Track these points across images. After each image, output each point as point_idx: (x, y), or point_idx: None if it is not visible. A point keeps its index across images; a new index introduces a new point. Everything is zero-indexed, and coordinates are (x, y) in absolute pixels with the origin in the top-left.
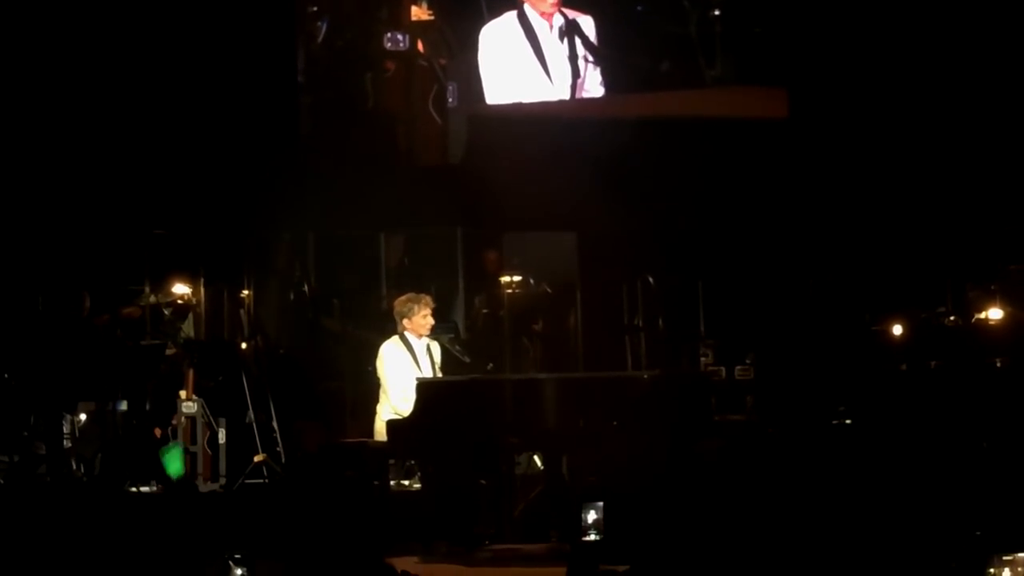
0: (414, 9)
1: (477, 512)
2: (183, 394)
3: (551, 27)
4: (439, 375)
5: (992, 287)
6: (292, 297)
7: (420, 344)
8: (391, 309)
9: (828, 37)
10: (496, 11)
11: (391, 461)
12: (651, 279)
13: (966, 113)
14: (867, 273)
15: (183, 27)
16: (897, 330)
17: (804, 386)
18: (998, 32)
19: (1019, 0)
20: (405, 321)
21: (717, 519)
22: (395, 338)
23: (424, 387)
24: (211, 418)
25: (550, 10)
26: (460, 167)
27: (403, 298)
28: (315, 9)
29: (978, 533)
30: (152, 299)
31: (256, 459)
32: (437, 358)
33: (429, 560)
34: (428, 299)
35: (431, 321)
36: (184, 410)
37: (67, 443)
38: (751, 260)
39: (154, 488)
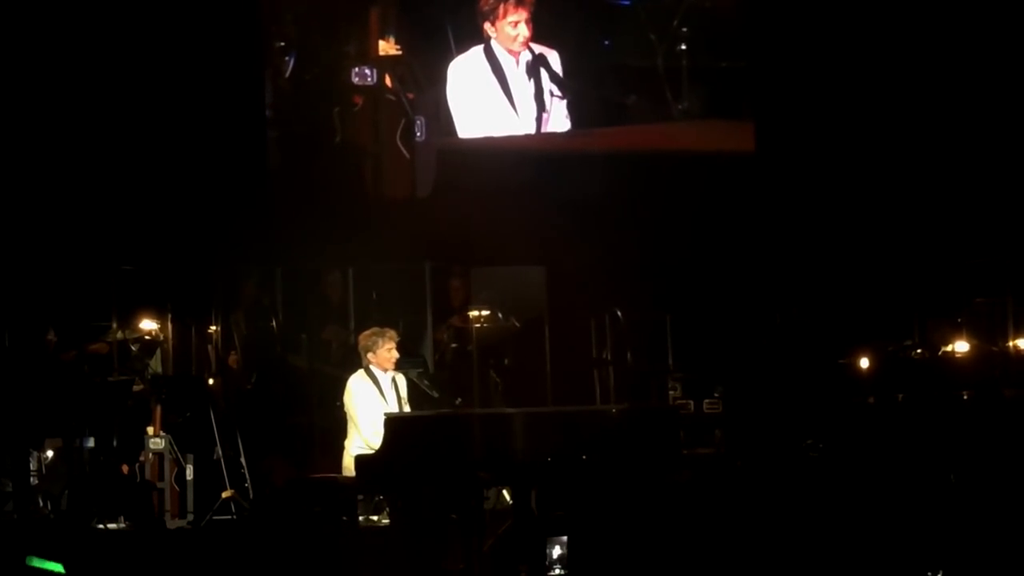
0: (382, 44)
1: (446, 547)
2: (151, 430)
3: (518, 62)
4: (406, 409)
5: (958, 320)
6: (259, 332)
7: (386, 378)
8: (358, 344)
9: (795, 71)
10: (464, 46)
11: (360, 496)
12: (619, 313)
13: (932, 147)
14: (834, 306)
15: (150, 61)
16: (864, 363)
17: (772, 419)
18: (962, 67)
19: (981, 38)
20: (369, 355)
21: (685, 553)
22: (361, 371)
23: (392, 422)
24: (179, 454)
25: (518, 48)
26: (428, 201)
27: (368, 332)
28: (282, 44)
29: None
30: (119, 335)
31: (224, 495)
32: (403, 392)
33: None
34: (393, 333)
35: (395, 355)
36: (151, 446)
37: (34, 480)
38: (719, 294)
39: (122, 525)
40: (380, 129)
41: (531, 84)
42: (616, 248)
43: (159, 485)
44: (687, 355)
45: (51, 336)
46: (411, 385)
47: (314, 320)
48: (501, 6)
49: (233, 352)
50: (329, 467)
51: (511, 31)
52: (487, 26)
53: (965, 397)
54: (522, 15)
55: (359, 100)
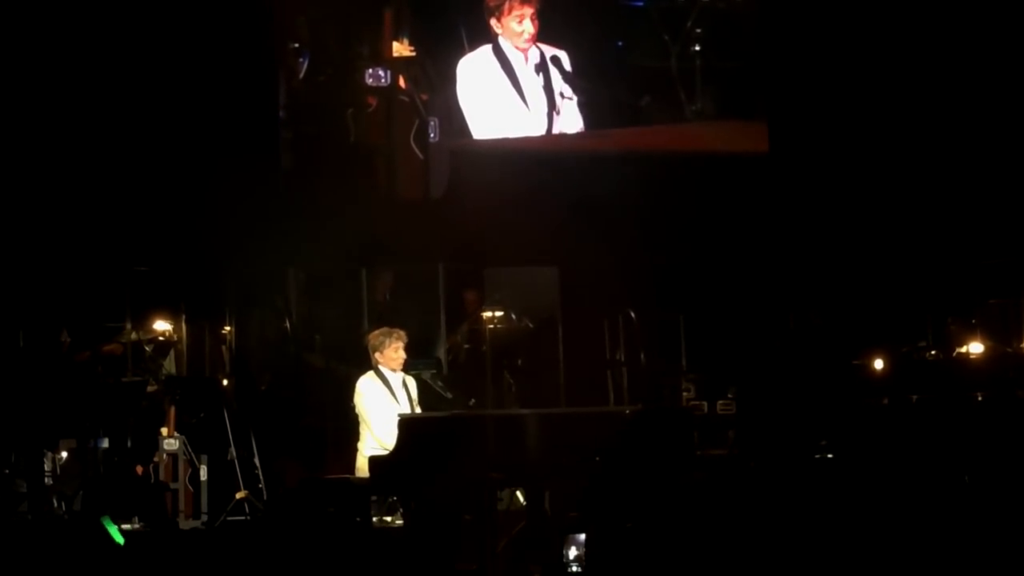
0: (395, 45)
1: (459, 548)
2: (164, 431)
3: (526, 59)
4: (416, 409)
5: (972, 321)
6: (274, 333)
7: (396, 378)
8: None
9: (808, 71)
10: (477, 47)
11: (373, 497)
12: (633, 314)
13: (946, 148)
14: (848, 307)
15: (164, 62)
16: (878, 364)
17: (786, 420)
18: (976, 68)
19: (996, 38)
20: (377, 355)
21: (698, 554)
22: (371, 372)
23: (406, 423)
24: (192, 455)
25: (525, 44)
26: (442, 202)
27: (376, 332)
28: (296, 45)
29: None
30: (133, 336)
31: (238, 496)
32: (414, 393)
33: None
34: (401, 333)
35: (403, 356)
36: (165, 447)
37: (48, 480)
38: (733, 295)
39: (136, 525)
40: (393, 130)
41: (540, 79)
42: (629, 249)
43: (173, 486)
44: (700, 356)
45: (65, 337)
46: (424, 386)
47: (328, 321)
48: (507, 2)
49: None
50: (342, 468)
51: (516, 27)
52: (493, 22)
53: (979, 398)
54: (527, 10)
55: (373, 101)
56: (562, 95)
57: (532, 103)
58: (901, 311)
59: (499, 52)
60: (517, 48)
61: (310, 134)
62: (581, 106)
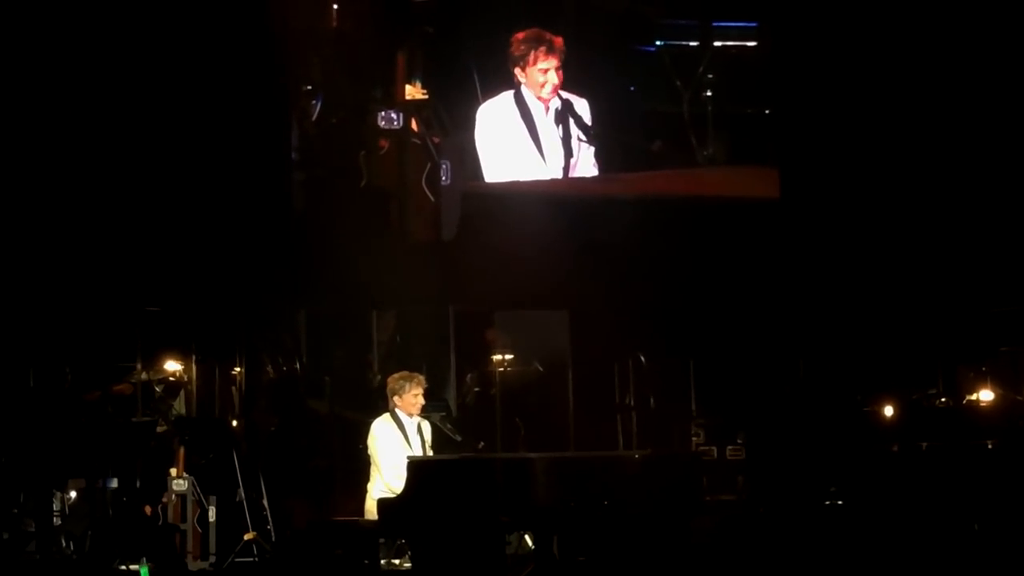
0: (408, 88)
1: None
2: (174, 471)
3: (547, 109)
4: (429, 454)
5: (983, 368)
6: (284, 374)
7: (411, 422)
8: (383, 386)
9: (819, 118)
10: (490, 91)
11: (381, 540)
12: (643, 358)
13: (958, 195)
14: (858, 354)
15: (176, 104)
16: (888, 411)
17: (795, 466)
18: (987, 117)
19: (1004, 84)
20: (396, 398)
21: None
22: (386, 415)
23: (415, 466)
24: (201, 496)
25: (547, 96)
26: (453, 245)
27: (396, 376)
28: (309, 87)
29: None
30: (143, 376)
31: (246, 537)
32: (428, 437)
33: None
34: (421, 379)
35: (422, 401)
36: (174, 488)
37: (57, 520)
38: (743, 340)
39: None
40: (405, 172)
41: (559, 131)
42: (640, 293)
43: (182, 526)
44: (710, 401)
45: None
46: (434, 430)
47: (338, 362)
48: (532, 53)
49: None
50: (351, 510)
51: (540, 78)
52: (517, 71)
53: (989, 446)
54: (552, 63)
55: (385, 143)
56: (579, 139)
57: (548, 154)
58: (912, 358)
59: (520, 100)
60: (538, 98)
61: (322, 176)
62: (597, 154)
